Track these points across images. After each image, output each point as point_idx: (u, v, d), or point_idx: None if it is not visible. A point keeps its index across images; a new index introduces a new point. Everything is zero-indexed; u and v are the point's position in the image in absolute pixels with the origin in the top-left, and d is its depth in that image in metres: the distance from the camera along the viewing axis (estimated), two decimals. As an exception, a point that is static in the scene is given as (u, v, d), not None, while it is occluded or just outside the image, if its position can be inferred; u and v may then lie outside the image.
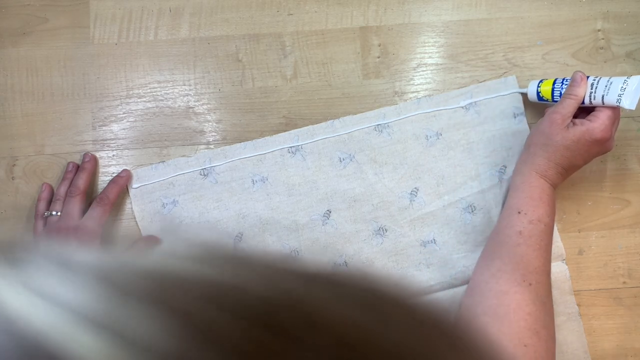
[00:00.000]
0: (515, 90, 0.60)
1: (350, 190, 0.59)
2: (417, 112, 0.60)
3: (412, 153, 0.60)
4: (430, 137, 0.60)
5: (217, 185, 0.59)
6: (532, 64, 0.61)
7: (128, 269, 0.16)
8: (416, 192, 0.59)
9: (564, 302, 0.58)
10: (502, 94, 0.60)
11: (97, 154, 0.60)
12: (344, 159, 0.59)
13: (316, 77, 0.61)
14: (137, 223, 0.59)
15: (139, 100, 0.61)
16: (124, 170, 0.59)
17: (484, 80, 0.61)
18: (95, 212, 0.55)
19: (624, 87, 0.50)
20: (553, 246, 0.59)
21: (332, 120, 0.60)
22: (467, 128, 0.60)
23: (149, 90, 0.61)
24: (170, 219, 0.58)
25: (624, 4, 0.62)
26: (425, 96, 0.61)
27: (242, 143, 0.60)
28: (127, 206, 0.59)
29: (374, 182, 0.59)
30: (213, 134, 0.60)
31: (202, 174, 0.59)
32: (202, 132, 0.60)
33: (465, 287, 0.58)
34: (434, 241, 0.59)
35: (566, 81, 0.54)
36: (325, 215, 0.59)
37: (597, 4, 0.62)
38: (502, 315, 0.49)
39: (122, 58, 0.61)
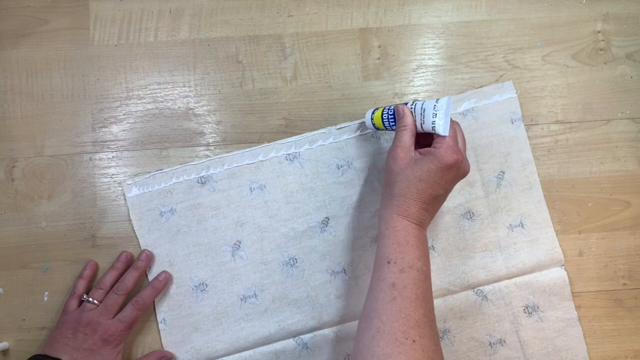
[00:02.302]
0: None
1: (349, 198, 0.59)
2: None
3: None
4: None
5: (215, 193, 0.59)
6: (532, 66, 0.61)
7: None
8: None
9: (563, 308, 0.58)
10: (498, 99, 0.60)
11: (97, 156, 0.60)
12: (342, 166, 0.59)
13: (316, 79, 0.61)
14: (134, 232, 0.59)
15: (138, 101, 0.61)
16: (164, 272, 0.58)
17: (481, 86, 0.61)
18: (129, 314, 0.55)
19: (435, 112, 0.49)
20: (552, 252, 0.59)
21: (329, 127, 0.60)
22: (465, 134, 0.59)
23: (148, 92, 0.61)
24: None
25: (624, 5, 0.62)
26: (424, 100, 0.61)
27: (239, 151, 0.60)
28: (124, 214, 0.59)
29: (372, 189, 0.59)
30: (213, 135, 0.60)
31: (200, 182, 0.59)
32: (202, 133, 0.60)
33: (465, 293, 0.58)
34: (432, 248, 0.59)
35: (391, 109, 0.53)
36: (324, 222, 0.59)
37: (597, 5, 0.62)
38: None
39: (122, 59, 0.61)
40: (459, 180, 0.51)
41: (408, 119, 0.50)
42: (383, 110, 0.54)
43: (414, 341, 0.44)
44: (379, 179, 0.59)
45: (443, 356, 0.46)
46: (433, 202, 0.49)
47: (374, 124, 0.55)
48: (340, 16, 0.62)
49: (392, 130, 0.54)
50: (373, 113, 0.55)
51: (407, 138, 0.50)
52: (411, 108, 0.51)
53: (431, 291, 0.48)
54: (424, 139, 0.52)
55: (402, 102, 0.61)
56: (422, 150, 0.50)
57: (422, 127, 0.50)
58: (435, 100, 0.49)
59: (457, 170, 0.49)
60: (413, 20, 0.62)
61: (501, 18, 0.62)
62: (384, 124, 0.54)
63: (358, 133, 0.60)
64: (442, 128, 0.48)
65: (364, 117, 0.60)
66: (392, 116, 0.53)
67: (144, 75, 0.61)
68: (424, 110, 0.49)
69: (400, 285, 0.46)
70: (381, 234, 0.50)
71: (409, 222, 0.48)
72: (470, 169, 0.59)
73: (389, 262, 0.47)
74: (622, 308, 0.59)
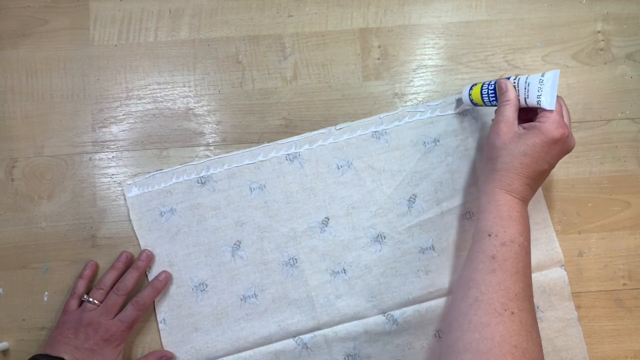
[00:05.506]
0: (460, 96, 0.59)
1: (348, 198, 0.59)
2: (414, 119, 0.60)
3: (410, 160, 0.59)
4: (428, 143, 0.60)
5: (215, 193, 0.59)
6: (532, 66, 0.61)
7: None
8: (414, 199, 0.59)
9: (563, 308, 0.58)
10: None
11: (97, 156, 0.60)
12: (341, 166, 0.59)
13: (316, 79, 0.61)
14: (134, 232, 0.59)
15: (138, 101, 0.61)
16: (164, 272, 0.57)
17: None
18: (129, 314, 0.55)
19: (541, 86, 0.48)
20: (552, 252, 0.59)
21: (329, 127, 0.60)
22: (464, 134, 0.60)
23: (148, 92, 0.61)
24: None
25: (623, 5, 0.62)
26: (423, 101, 0.61)
27: (239, 151, 0.60)
28: (124, 214, 0.59)
29: (372, 189, 0.59)
30: (213, 135, 0.60)
31: (200, 182, 0.59)
32: (202, 133, 0.60)
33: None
34: (432, 248, 0.59)
35: (491, 85, 0.53)
36: (324, 222, 0.59)
37: (597, 5, 0.62)
38: (486, 350, 0.43)
39: (122, 59, 0.61)
40: (563, 156, 0.51)
41: (511, 94, 0.50)
42: (482, 86, 0.54)
43: (512, 313, 0.45)
44: (379, 179, 0.59)
45: (539, 331, 0.46)
46: (537, 177, 0.49)
47: (471, 100, 0.55)
48: (340, 16, 0.62)
49: (492, 105, 0.54)
50: (471, 89, 0.55)
51: (511, 113, 0.50)
52: (514, 82, 0.51)
53: (530, 267, 0.49)
54: (524, 114, 0.52)
55: (403, 102, 0.61)
56: (526, 125, 0.50)
57: (525, 101, 0.50)
58: (540, 74, 0.49)
59: (562, 145, 0.49)
60: (413, 20, 0.62)
61: (501, 18, 0.62)
62: (482, 100, 0.54)
63: (358, 133, 0.60)
64: (548, 103, 0.48)
65: (364, 117, 0.60)
66: (492, 91, 0.53)
67: (144, 75, 0.61)
68: (529, 84, 0.49)
69: (501, 258, 0.47)
70: (482, 207, 0.50)
71: (512, 197, 0.49)
72: (470, 169, 0.59)
73: (489, 235, 0.48)
74: (622, 308, 0.59)
